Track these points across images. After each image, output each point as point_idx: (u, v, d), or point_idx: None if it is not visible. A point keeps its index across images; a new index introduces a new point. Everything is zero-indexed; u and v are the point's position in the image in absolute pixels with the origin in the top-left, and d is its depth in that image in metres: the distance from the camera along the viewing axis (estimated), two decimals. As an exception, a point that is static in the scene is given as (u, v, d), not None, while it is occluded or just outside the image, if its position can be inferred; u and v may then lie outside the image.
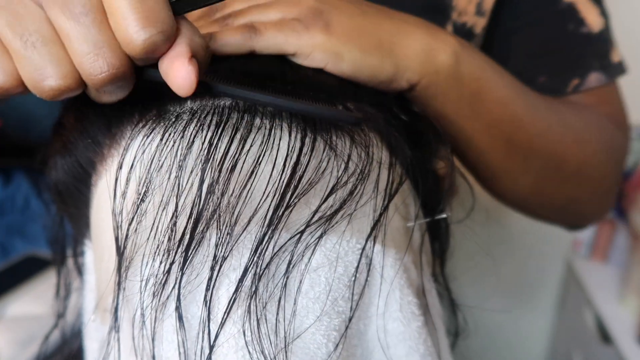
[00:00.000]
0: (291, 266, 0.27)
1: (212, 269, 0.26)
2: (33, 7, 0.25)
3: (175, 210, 0.27)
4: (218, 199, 0.27)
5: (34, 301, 0.69)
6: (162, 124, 0.29)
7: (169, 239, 0.27)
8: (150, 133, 0.29)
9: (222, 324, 0.26)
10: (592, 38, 0.47)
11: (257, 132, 0.28)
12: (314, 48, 0.31)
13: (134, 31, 0.24)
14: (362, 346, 0.29)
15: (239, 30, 0.31)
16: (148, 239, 0.27)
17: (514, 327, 1.34)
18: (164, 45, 0.25)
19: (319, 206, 0.27)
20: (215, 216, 0.26)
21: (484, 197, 0.42)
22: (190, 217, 0.27)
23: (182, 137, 0.28)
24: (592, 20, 0.47)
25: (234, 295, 0.26)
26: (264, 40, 0.31)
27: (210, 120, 0.28)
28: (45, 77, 0.25)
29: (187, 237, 0.26)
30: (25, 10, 0.25)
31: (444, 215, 0.34)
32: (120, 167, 0.30)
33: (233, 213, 0.27)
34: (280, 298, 0.27)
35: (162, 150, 0.28)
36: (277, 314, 0.26)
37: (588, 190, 0.46)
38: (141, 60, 0.26)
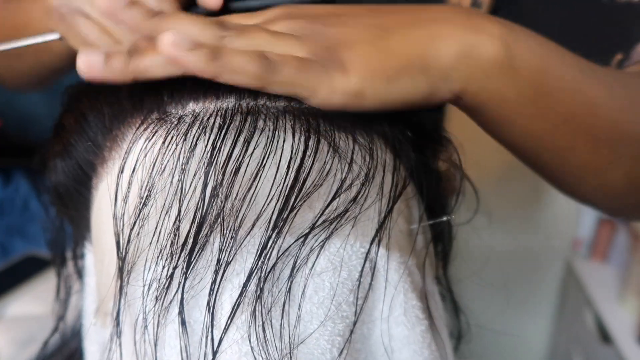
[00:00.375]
0: (295, 270, 0.27)
1: (216, 273, 0.26)
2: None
3: (178, 214, 0.27)
4: (222, 202, 0.26)
5: (33, 301, 0.69)
6: (164, 126, 0.29)
7: (172, 244, 0.27)
8: (152, 136, 0.29)
9: (225, 330, 0.26)
10: (634, 6, 0.39)
11: (261, 134, 0.28)
12: (331, 92, 0.27)
13: None
14: (365, 350, 0.29)
15: (254, 59, 0.26)
16: (150, 243, 0.27)
17: (513, 327, 1.34)
18: None
19: (324, 209, 0.27)
20: (219, 220, 0.26)
21: (486, 198, 0.41)
22: (193, 221, 0.26)
23: (185, 140, 0.28)
24: None
25: (238, 300, 0.26)
26: (280, 80, 0.26)
27: (213, 123, 0.28)
28: None
29: (191, 241, 0.26)
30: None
31: (447, 218, 0.34)
32: (121, 170, 0.29)
33: (237, 217, 0.26)
34: (284, 303, 0.26)
35: (164, 153, 0.28)
36: (282, 319, 0.26)
37: None
38: None
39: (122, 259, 0.28)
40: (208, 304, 0.26)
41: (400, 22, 0.29)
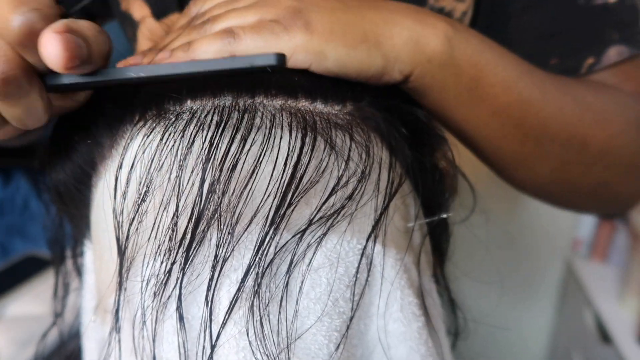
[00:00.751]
0: (292, 266, 0.27)
1: (213, 269, 0.26)
2: None
3: (176, 210, 0.27)
4: (219, 198, 0.27)
5: (33, 301, 0.69)
6: (162, 123, 0.29)
7: (170, 239, 0.27)
8: (150, 132, 0.29)
9: (223, 325, 0.26)
10: (608, 9, 0.42)
11: (258, 131, 0.28)
12: (295, 49, 0.30)
13: (7, 13, 0.24)
14: (362, 346, 0.29)
15: (217, 36, 0.30)
16: (149, 239, 0.27)
17: (513, 327, 1.34)
18: (40, 24, 0.24)
19: (321, 206, 0.27)
20: (216, 216, 0.26)
21: (484, 197, 0.41)
22: (191, 216, 0.27)
23: (183, 136, 0.28)
24: None
25: (236, 296, 0.26)
26: (243, 45, 0.30)
27: (211, 120, 0.28)
28: None
29: (188, 236, 0.26)
30: None
31: (444, 216, 0.34)
32: (120, 166, 0.30)
33: (234, 213, 0.27)
34: (282, 298, 0.27)
35: (162, 149, 0.28)
36: (279, 314, 0.26)
37: (618, 172, 0.42)
38: (22, 48, 0.25)
39: (121, 254, 0.28)
40: (206, 299, 0.26)
41: (360, 4, 0.32)
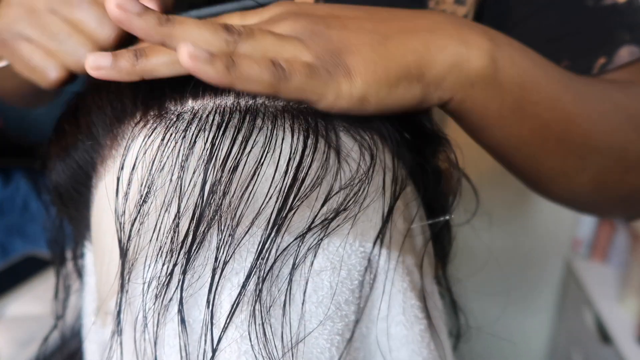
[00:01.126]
0: (294, 269, 0.27)
1: (214, 271, 0.26)
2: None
3: (178, 211, 0.27)
4: (220, 199, 0.26)
5: (33, 301, 0.69)
6: (163, 123, 0.29)
7: (172, 241, 0.27)
8: (152, 133, 0.29)
9: (224, 328, 0.26)
10: (618, 9, 0.41)
11: (259, 132, 0.28)
12: (337, 96, 0.27)
13: None
14: (364, 349, 0.29)
15: (266, 68, 0.26)
16: (150, 240, 0.27)
17: (513, 327, 1.34)
18: None
19: (320, 208, 0.27)
20: (216, 217, 0.26)
21: (486, 198, 0.41)
22: (192, 218, 0.26)
23: (184, 137, 0.28)
24: None
25: (237, 299, 0.26)
26: (292, 87, 0.27)
27: (212, 121, 0.28)
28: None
29: (190, 238, 0.26)
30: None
31: (446, 218, 0.34)
32: (121, 167, 0.29)
33: (235, 215, 0.26)
34: (285, 303, 0.26)
35: (163, 150, 0.28)
36: (282, 317, 0.26)
37: None
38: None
39: (123, 256, 0.28)
40: (207, 302, 0.26)
41: (398, 29, 0.30)
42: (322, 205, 0.27)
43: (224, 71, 0.25)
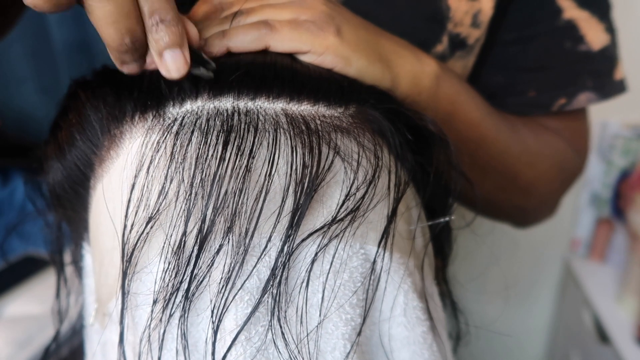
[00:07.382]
0: (308, 274, 0.26)
1: (210, 275, 0.26)
2: None
3: (178, 213, 0.27)
4: (217, 201, 0.26)
5: (32, 301, 0.69)
6: (161, 125, 0.29)
7: (172, 243, 0.26)
8: (150, 135, 0.29)
9: (229, 349, 0.25)
10: (590, 56, 0.47)
11: (259, 135, 0.28)
12: (326, 49, 0.32)
13: None
14: (368, 352, 0.29)
15: (254, 26, 0.32)
16: (150, 244, 0.27)
17: (512, 327, 1.35)
18: None
19: (338, 211, 0.27)
20: (216, 219, 0.26)
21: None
22: (203, 222, 0.26)
23: (182, 139, 0.28)
24: (593, 37, 0.47)
25: (248, 318, 0.25)
26: (280, 37, 0.31)
27: (212, 123, 0.28)
28: None
29: (189, 240, 0.26)
30: None
31: (446, 219, 0.34)
32: (119, 170, 0.29)
33: (234, 218, 0.26)
34: (301, 315, 0.26)
35: (161, 152, 0.28)
36: (296, 327, 0.26)
37: (534, 202, 0.53)
38: None
39: (125, 262, 0.27)
40: (212, 310, 0.25)
41: (376, 31, 0.36)
42: (339, 209, 0.27)
43: (219, 41, 0.31)
